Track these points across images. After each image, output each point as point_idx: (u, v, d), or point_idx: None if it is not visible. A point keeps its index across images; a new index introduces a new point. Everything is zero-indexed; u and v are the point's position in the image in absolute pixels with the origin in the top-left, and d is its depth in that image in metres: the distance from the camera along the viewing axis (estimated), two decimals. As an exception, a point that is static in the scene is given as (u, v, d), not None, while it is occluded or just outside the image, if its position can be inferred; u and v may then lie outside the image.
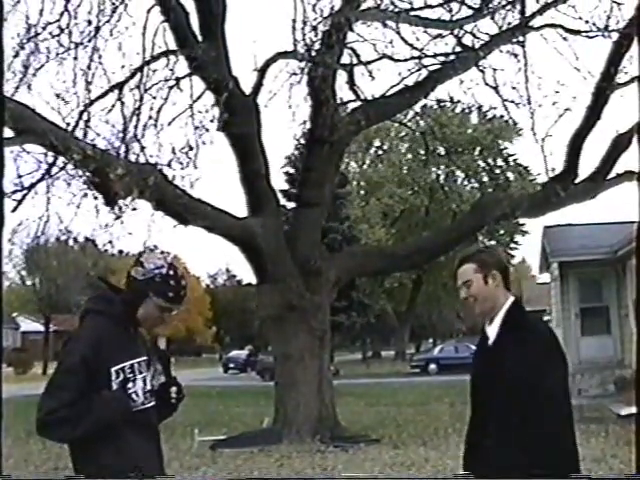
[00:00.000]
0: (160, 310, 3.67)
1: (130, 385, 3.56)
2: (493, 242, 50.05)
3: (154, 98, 13.43)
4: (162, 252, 3.91)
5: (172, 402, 3.80)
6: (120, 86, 13.58)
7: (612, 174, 14.94)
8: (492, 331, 3.62)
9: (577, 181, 15.03)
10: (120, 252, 71.45)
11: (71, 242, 30.02)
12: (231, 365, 50.56)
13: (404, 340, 58.51)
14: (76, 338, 3.59)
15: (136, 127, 13.23)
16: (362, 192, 49.63)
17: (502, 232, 50.86)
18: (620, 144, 14.53)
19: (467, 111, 46.25)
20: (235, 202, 16.56)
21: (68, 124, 12.95)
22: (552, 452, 3.28)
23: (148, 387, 3.68)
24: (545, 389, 3.34)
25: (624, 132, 14.42)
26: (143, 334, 3.82)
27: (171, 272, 3.69)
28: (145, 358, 3.68)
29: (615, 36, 14.11)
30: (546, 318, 35.73)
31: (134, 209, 12.86)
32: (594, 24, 14.53)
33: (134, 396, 3.57)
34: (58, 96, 12.92)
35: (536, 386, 3.33)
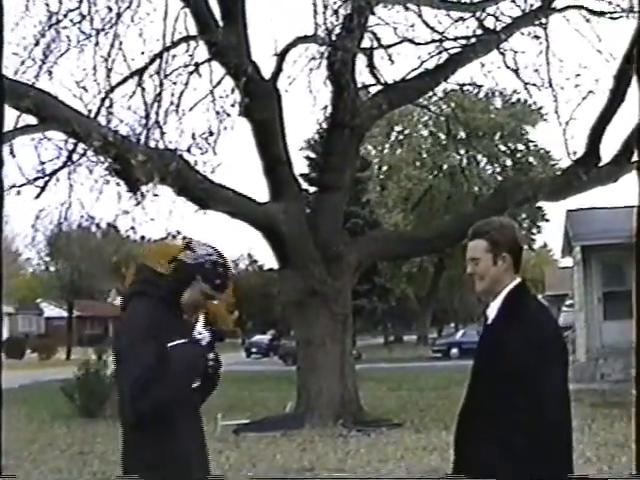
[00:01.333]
0: (204, 296, 3.68)
1: None
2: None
3: (174, 84, 13.46)
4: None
5: (209, 371, 3.74)
6: (140, 72, 13.61)
7: (635, 157, 14.81)
8: (492, 312, 3.52)
9: (599, 165, 14.90)
10: (142, 238, 71.76)
11: (93, 228, 30.12)
12: (254, 350, 50.71)
13: (426, 325, 58.46)
14: (132, 316, 3.62)
15: (157, 113, 13.27)
16: (382, 177, 49.46)
17: (524, 216, 50.59)
18: (643, 127, 14.40)
19: (490, 96, 46.02)
20: (257, 187, 16.57)
21: (90, 111, 13.01)
22: (519, 459, 3.21)
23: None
24: (541, 376, 3.24)
25: (647, 115, 14.27)
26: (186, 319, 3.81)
27: (221, 260, 3.72)
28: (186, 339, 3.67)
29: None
30: (569, 302, 35.68)
31: (155, 195, 12.92)
32: (618, 5, 14.41)
33: None
34: (79, 83, 12.98)
35: (529, 371, 3.24)
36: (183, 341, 3.57)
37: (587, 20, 14.74)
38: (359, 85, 15.25)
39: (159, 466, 3.50)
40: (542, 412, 3.23)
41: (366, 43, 15.17)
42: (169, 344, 3.51)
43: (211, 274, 3.66)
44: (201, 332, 3.65)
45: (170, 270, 3.73)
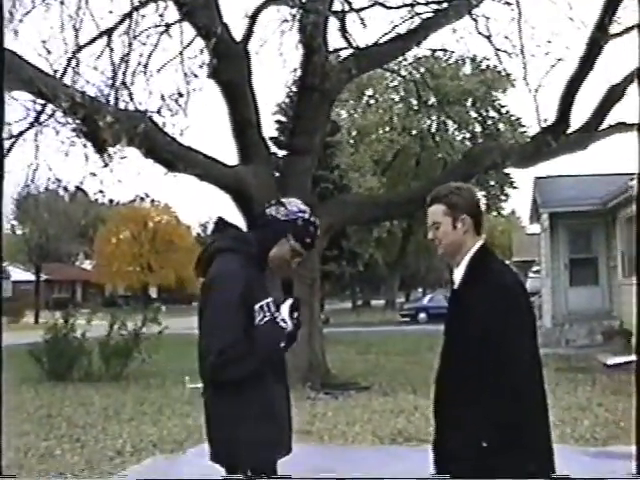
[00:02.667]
0: (292, 254, 3.70)
1: None
2: (483, 192, 50.12)
3: (144, 45, 13.26)
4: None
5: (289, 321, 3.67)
6: (109, 32, 13.39)
7: (604, 125, 14.89)
8: (457, 276, 3.58)
9: (569, 132, 14.97)
10: (111, 201, 71.39)
11: (61, 191, 29.83)
12: (222, 313, 50.66)
13: (394, 289, 58.87)
14: (224, 276, 3.57)
15: (125, 74, 13.07)
16: (352, 141, 49.37)
17: (492, 183, 50.84)
18: (613, 95, 14.46)
19: (460, 62, 45.95)
20: (226, 150, 16.47)
21: (56, 71, 12.78)
22: (505, 411, 3.27)
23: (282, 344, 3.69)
24: (507, 339, 3.30)
25: (617, 83, 14.35)
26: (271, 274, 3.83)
27: (312, 219, 3.73)
28: (273, 299, 3.67)
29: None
30: (535, 269, 36.02)
31: (123, 157, 12.78)
32: (590, -27, 14.38)
33: None
34: (45, 43, 12.74)
35: (498, 334, 3.29)
36: (271, 300, 3.58)
37: (560, -13, 14.74)
38: (330, 49, 15.16)
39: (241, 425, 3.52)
40: (511, 373, 3.29)
41: (338, 6, 15.08)
42: (258, 304, 3.53)
43: (303, 232, 3.68)
44: (285, 320, 3.62)
45: (259, 225, 3.74)
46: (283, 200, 3.78)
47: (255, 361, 3.48)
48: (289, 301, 3.67)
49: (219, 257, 3.65)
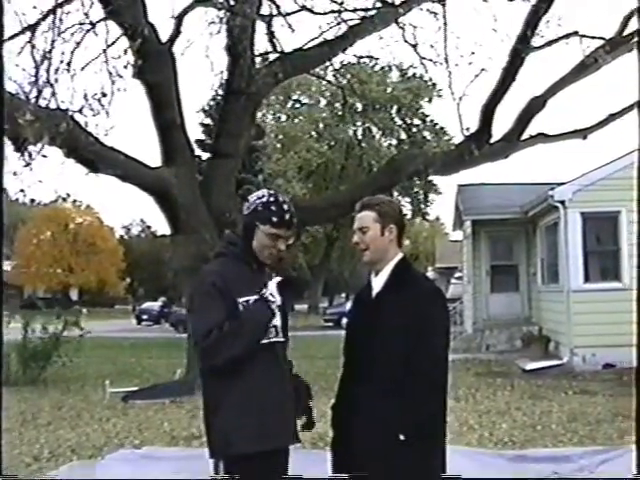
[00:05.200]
0: (270, 238, 3.72)
1: None
2: (408, 199, 50.69)
3: (67, 42, 13.01)
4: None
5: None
6: (32, 28, 13.11)
7: (525, 135, 15.19)
8: (377, 283, 3.70)
9: (491, 141, 15.23)
10: (32, 201, 69.97)
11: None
12: (144, 317, 50.08)
13: (317, 294, 58.97)
14: (200, 275, 3.75)
15: (48, 71, 12.81)
16: (279, 145, 49.37)
17: (416, 190, 51.40)
18: (534, 106, 14.78)
19: (387, 69, 46.38)
20: (151, 152, 16.30)
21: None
22: (419, 407, 3.40)
23: (273, 322, 3.69)
24: (426, 338, 3.44)
25: (538, 95, 14.69)
26: (269, 273, 3.84)
27: (272, 199, 3.76)
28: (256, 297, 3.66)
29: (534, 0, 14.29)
30: (458, 275, 36.49)
31: (44, 156, 12.51)
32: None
33: None
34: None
35: (418, 334, 3.42)
36: (254, 298, 3.60)
37: (485, 0, 15.00)
38: (257, 52, 15.15)
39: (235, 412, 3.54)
40: (430, 370, 3.45)
41: (265, 10, 15.08)
42: (242, 299, 3.57)
43: (265, 214, 3.71)
44: (274, 294, 3.64)
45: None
46: (248, 197, 3.87)
47: (245, 337, 3.51)
48: (277, 278, 3.73)
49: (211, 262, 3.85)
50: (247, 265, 3.73)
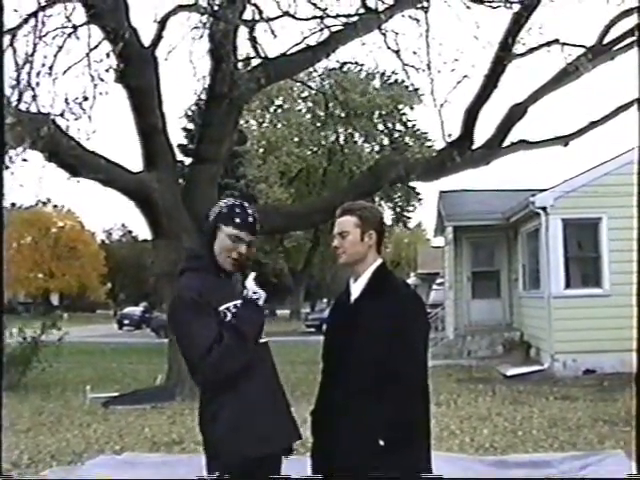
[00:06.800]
0: (231, 239, 3.70)
1: None
2: (390, 204, 50.81)
3: (49, 46, 12.95)
4: None
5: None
6: (13, 31, 13.05)
7: (506, 142, 15.27)
8: (356, 289, 3.72)
9: (473, 147, 15.29)
10: (13, 205, 69.61)
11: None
12: (125, 322, 49.96)
13: (299, 299, 58.99)
14: (176, 295, 3.68)
15: (29, 75, 12.75)
16: (261, 151, 49.36)
17: (398, 195, 51.51)
18: (515, 113, 14.87)
19: (370, 77, 46.47)
20: (133, 156, 16.25)
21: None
22: (399, 412, 3.40)
23: None
24: (405, 342, 3.45)
25: (519, 102, 14.77)
26: (237, 279, 3.84)
27: (237, 203, 3.79)
28: (241, 301, 3.67)
29: (516, 7, 14.38)
30: (439, 281, 36.58)
31: (25, 160, 12.45)
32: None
33: None
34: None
35: (397, 338, 3.43)
36: (239, 302, 3.62)
37: (467, 7, 15.07)
38: (240, 57, 15.14)
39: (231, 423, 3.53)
40: (410, 374, 3.46)
41: (248, 15, 15.07)
42: (222, 307, 3.57)
43: (229, 215, 3.71)
44: (256, 291, 3.68)
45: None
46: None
47: (246, 344, 3.53)
48: (252, 274, 3.75)
49: (180, 279, 3.79)
50: (214, 275, 3.72)
